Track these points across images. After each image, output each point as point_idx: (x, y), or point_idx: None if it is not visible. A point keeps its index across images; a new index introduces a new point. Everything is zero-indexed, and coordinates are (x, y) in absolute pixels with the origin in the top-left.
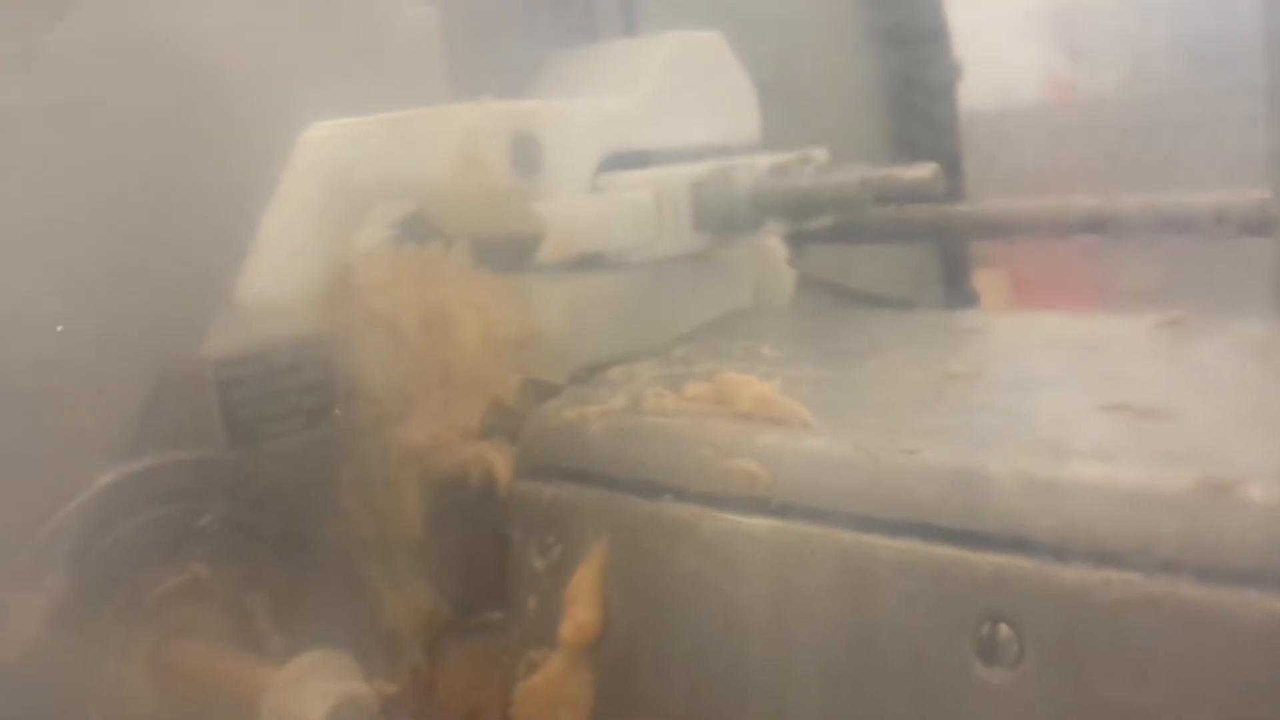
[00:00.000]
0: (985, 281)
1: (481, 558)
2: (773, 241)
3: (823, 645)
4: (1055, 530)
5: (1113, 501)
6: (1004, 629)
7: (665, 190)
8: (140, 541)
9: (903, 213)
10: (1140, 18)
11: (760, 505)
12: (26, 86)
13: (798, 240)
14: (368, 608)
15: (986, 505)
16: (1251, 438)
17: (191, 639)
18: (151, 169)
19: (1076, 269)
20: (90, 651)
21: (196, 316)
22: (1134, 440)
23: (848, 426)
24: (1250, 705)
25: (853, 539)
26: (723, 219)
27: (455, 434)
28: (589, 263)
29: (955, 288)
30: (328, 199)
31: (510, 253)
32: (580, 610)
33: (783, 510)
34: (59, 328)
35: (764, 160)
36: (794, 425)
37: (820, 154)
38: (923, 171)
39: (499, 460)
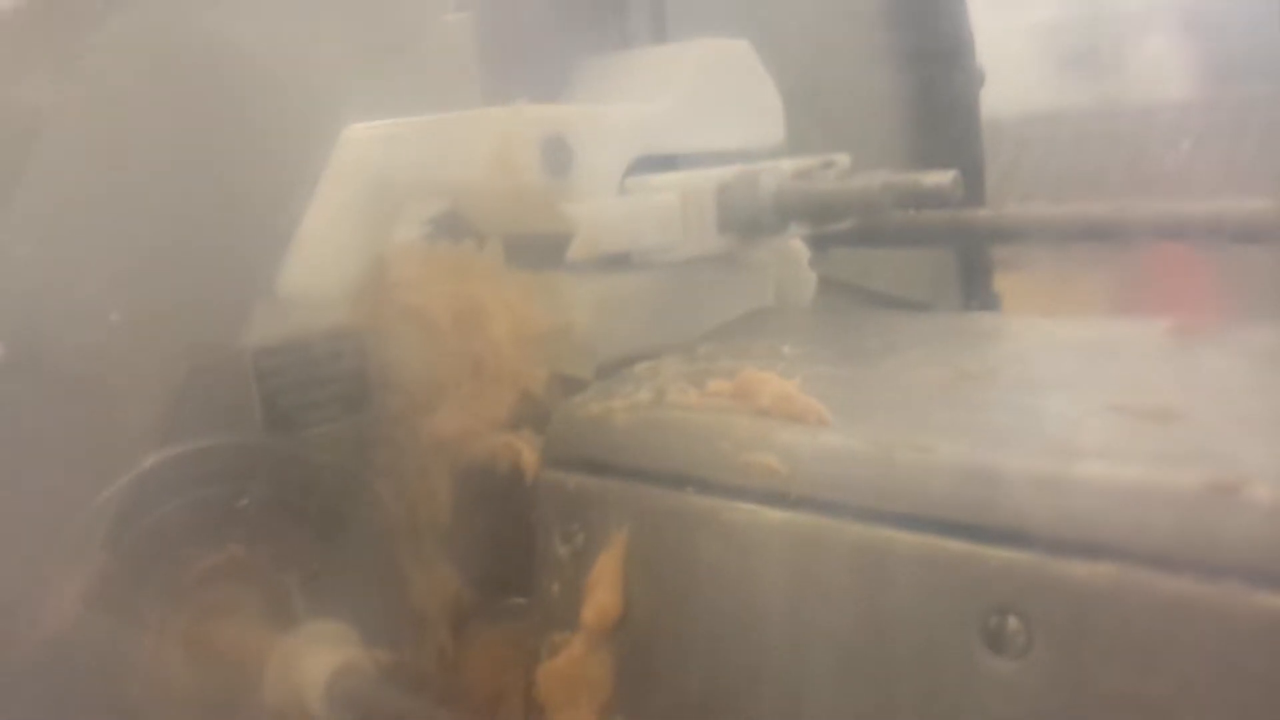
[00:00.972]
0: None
1: (507, 544)
2: (795, 243)
3: (835, 633)
4: (1063, 526)
5: (1120, 499)
6: (1012, 621)
7: (691, 193)
8: (181, 522)
9: (923, 217)
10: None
11: (778, 498)
12: (76, 84)
13: (820, 242)
14: (397, 590)
15: (997, 501)
16: (1258, 440)
17: (226, 617)
18: (197, 167)
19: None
20: (130, 628)
21: (238, 308)
22: (1142, 440)
23: (864, 423)
24: (1251, 699)
25: (866, 532)
26: (746, 221)
27: (484, 424)
28: (616, 262)
29: (976, 291)
30: (366, 197)
31: (540, 251)
32: (602, 595)
33: (799, 503)
34: (113, 316)
35: (788, 165)
36: (812, 422)
37: (843, 159)
38: (943, 178)
39: (526, 450)
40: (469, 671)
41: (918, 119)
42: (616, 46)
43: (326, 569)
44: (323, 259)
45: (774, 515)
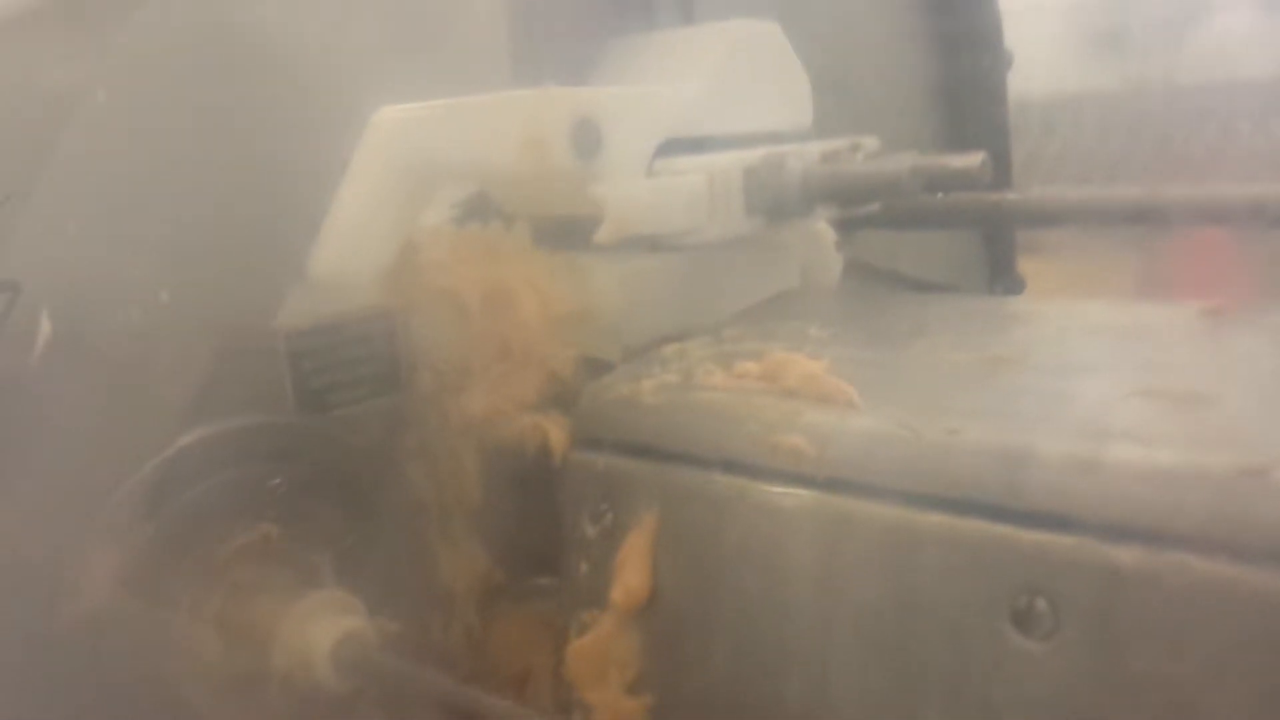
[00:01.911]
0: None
1: (534, 524)
2: (821, 226)
3: (863, 613)
4: (1092, 508)
5: (1150, 482)
6: (1040, 602)
7: (718, 175)
8: (215, 500)
9: (950, 200)
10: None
11: (806, 479)
12: (115, 69)
13: (846, 225)
14: (426, 568)
15: (1026, 483)
16: None
17: (259, 595)
18: (230, 149)
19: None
20: (166, 603)
21: (271, 290)
22: (1173, 424)
23: (892, 405)
24: (1277, 679)
25: (895, 513)
26: (774, 204)
27: (513, 405)
28: (643, 244)
29: (1001, 274)
30: (397, 180)
31: (568, 233)
32: (631, 575)
33: (828, 485)
34: (162, 295)
35: (815, 147)
36: (840, 403)
37: (871, 142)
38: (971, 160)
39: (554, 431)
40: (496, 649)
41: (945, 101)
42: (644, 27)
43: (357, 547)
44: (354, 241)
45: (802, 496)
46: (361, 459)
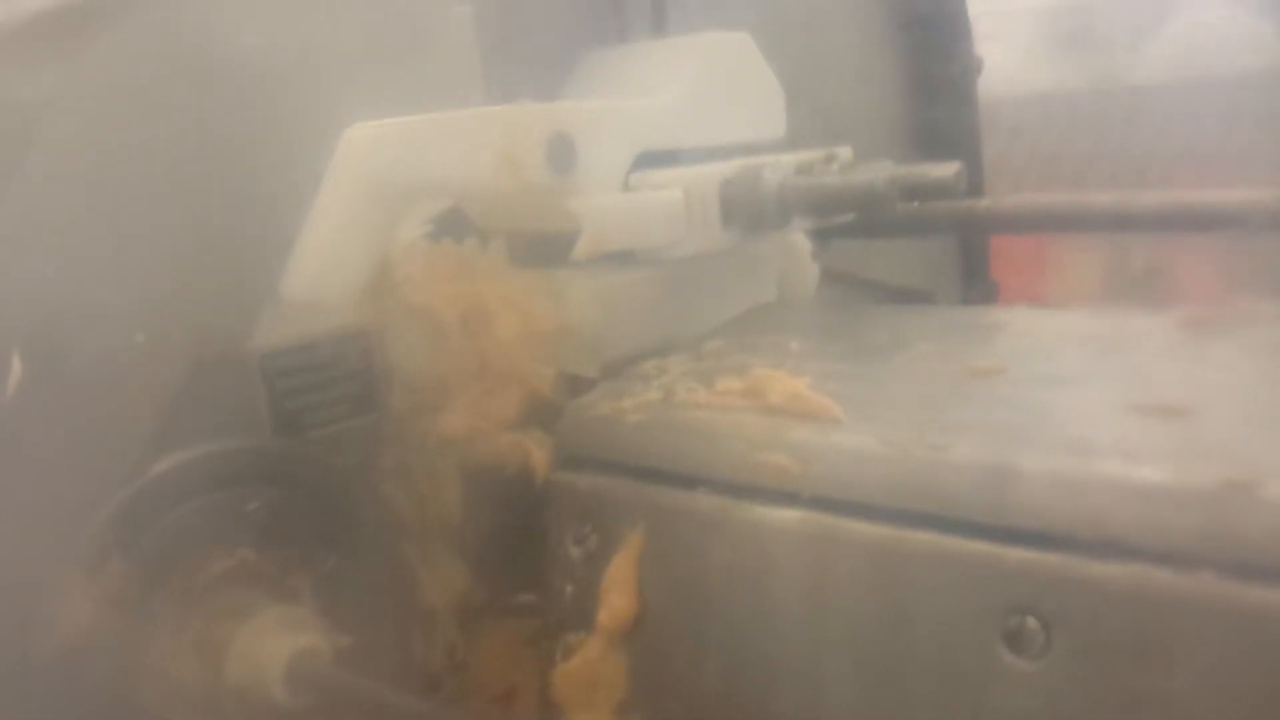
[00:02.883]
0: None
1: (514, 542)
2: (797, 236)
3: (852, 633)
4: (1081, 526)
5: (1138, 498)
6: (1031, 621)
7: (695, 189)
8: (192, 526)
9: (924, 208)
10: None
11: (791, 498)
12: (80, 85)
13: (820, 234)
14: (406, 588)
15: (1014, 501)
16: (1274, 437)
17: (237, 620)
18: (202, 169)
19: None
20: (143, 633)
21: (244, 310)
22: (1158, 438)
23: (876, 422)
24: (1271, 698)
25: (882, 532)
26: (751, 216)
27: (492, 424)
28: (619, 259)
29: (975, 280)
30: (371, 197)
31: (544, 249)
32: (617, 597)
33: (813, 503)
34: (139, 337)
35: (790, 158)
36: (824, 420)
37: (845, 151)
38: (947, 170)
39: (536, 450)
40: (479, 669)
41: (914, 107)
42: (617, 39)
43: (335, 569)
44: (327, 260)
45: (788, 515)
46: (339, 480)
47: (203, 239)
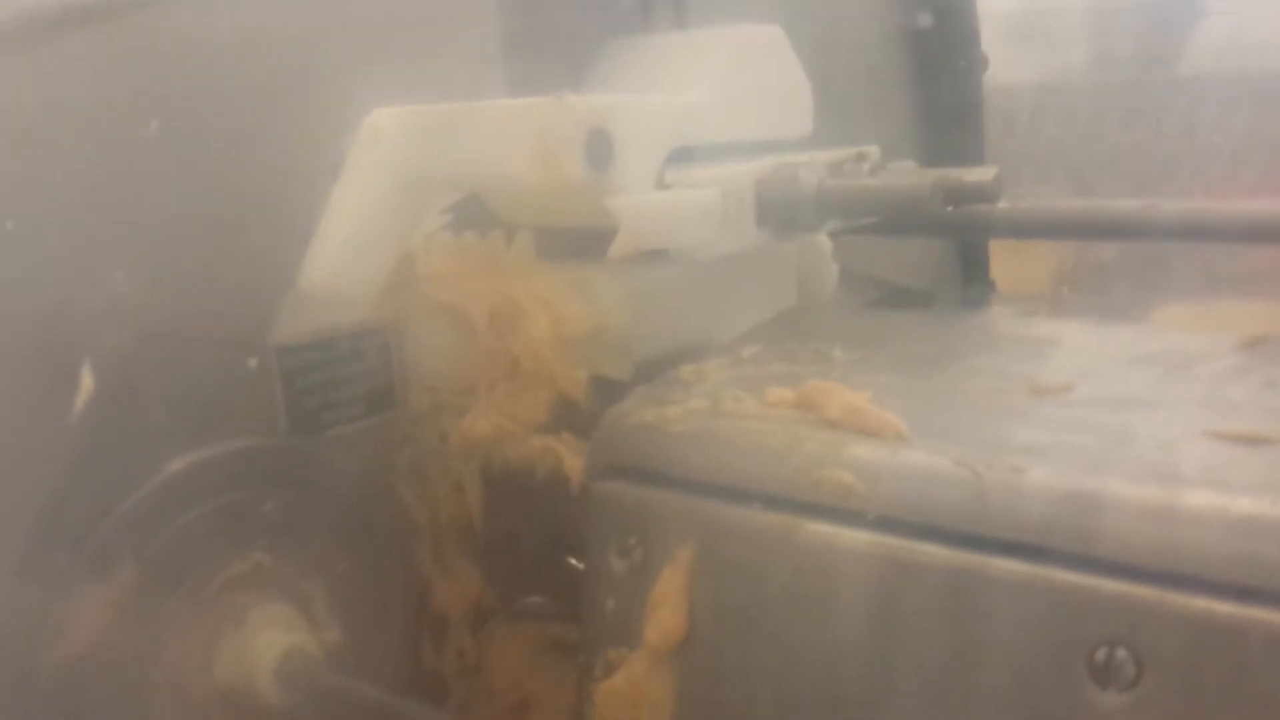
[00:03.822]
0: None
1: (527, 544)
2: (821, 236)
3: (922, 662)
4: (1171, 557)
5: (1233, 531)
6: (1120, 653)
7: (731, 188)
8: (207, 529)
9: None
10: None
11: (855, 518)
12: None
13: (832, 233)
14: (418, 591)
15: (1100, 530)
16: None
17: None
18: (220, 157)
19: None
20: (154, 639)
21: (262, 304)
22: (1245, 467)
23: (943, 439)
24: None
25: (956, 557)
26: (786, 217)
27: (520, 427)
28: (650, 257)
29: (974, 280)
30: (394, 187)
31: (573, 245)
32: (666, 614)
33: (880, 524)
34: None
35: (823, 157)
36: (889, 437)
37: (874, 151)
38: (984, 175)
39: (569, 455)
40: (492, 676)
41: (921, 104)
42: (641, 28)
43: (349, 572)
44: (347, 251)
45: (852, 536)
46: (354, 480)
47: (222, 232)
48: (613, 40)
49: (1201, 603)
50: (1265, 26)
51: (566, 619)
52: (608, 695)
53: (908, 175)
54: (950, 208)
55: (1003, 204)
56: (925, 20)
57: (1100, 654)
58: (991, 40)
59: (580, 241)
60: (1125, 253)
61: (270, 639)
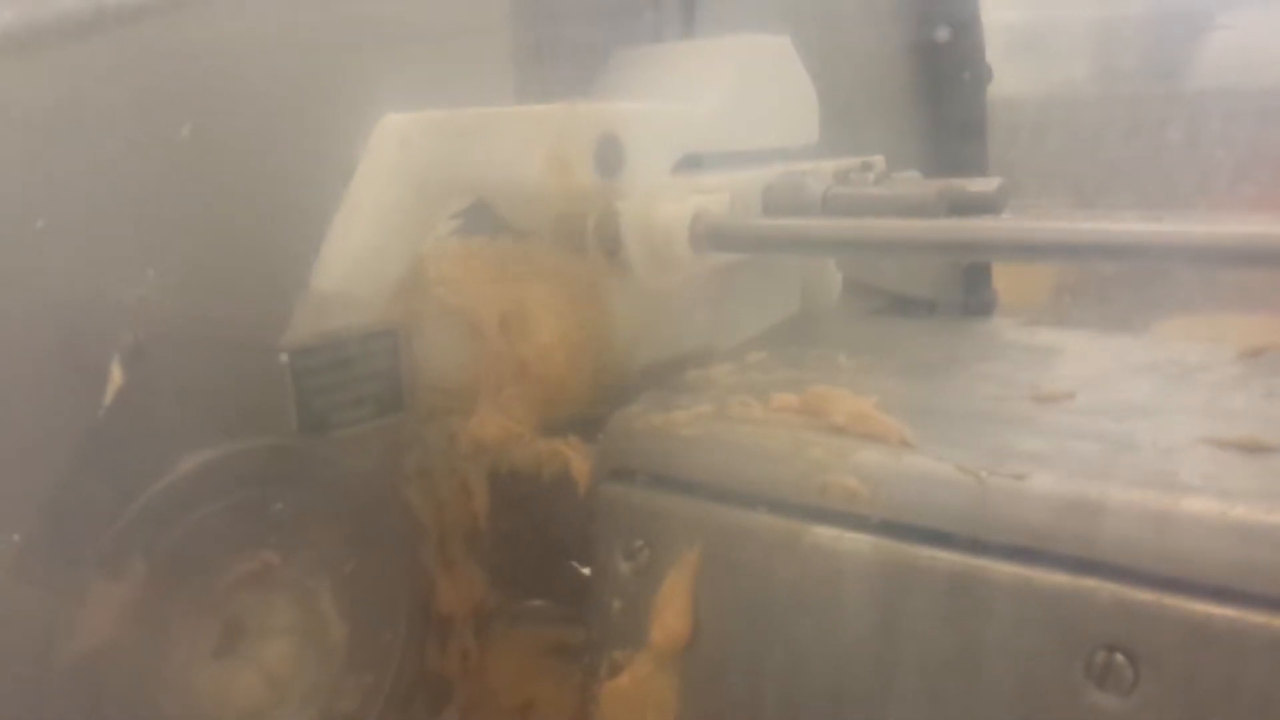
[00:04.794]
0: None
1: (532, 547)
2: None
3: (925, 665)
4: (1172, 563)
5: (1229, 537)
6: (1119, 657)
7: (739, 194)
8: (217, 528)
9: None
10: None
11: (860, 522)
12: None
13: None
14: (423, 592)
15: (1101, 535)
16: None
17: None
18: (230, 158)
19: None
20: (164, 638)
21: (274, 306)
22: (1245, 475)
23: (946, 445)
24: None
25: (960, 561)
26: None
27: (528, 429)
28: None
29: (976, 290)
30: (406, 190)
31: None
32: (672, 616)
33: (884, 528)
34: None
35: (829, 166)
36: (894, 443)
37: (879, 161)
38: (989, 185)
39: (576, 459)
40: (496, 678)
41: (926, 116)
42: (650, 38)
43: (356, 572)
44: (359, 254)
45: (857, 540)
46: (362, 481)
47: (233, 233)
48: (623, 49)
49: (1199, 607)
50: (1269, 41)
51: (570, 622)
52: (613, 696)
53: (912, 185)
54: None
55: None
56: (930, 33)
57: (1099, 658)
58: (995, 53)
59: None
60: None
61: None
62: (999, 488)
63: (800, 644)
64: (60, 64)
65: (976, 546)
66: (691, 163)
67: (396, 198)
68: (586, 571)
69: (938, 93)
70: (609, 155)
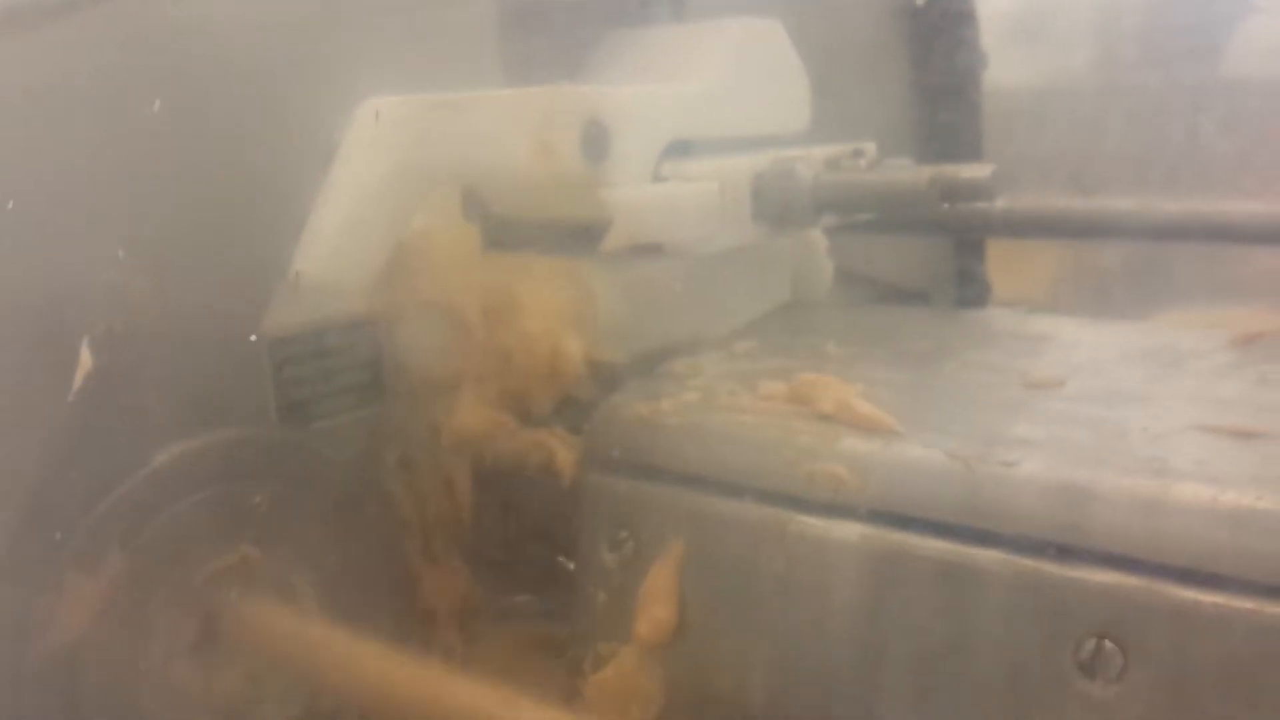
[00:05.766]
0: None
1: (516, 541)
2: (815, 233)
3: (913, 653)
4: (1161, 550)
5: (1219, 523)
6: (1108, 645)
7: (729, 182)
8: (195, 521)
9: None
10: None
11: (847, 511)
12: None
13: (828, 230)
14: (405, 587)
15: (1090, 522)
16: None
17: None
18: (207, 142)
19: None
20: (141, 632)
21: (253, 294)
22: (1236, 460)
23: (935, 433)
24: None
25: (948, 549)
26: (782, 212)
27: (513, 420)
28: (645, 251)
29: (970, 280)
30: (389, 175)
31: (568, 238)
32: (657, 607)
33: (872, 517)
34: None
35: (819, 153)
36: (881, 431)
37: (871, 148)
38: (980, 171)
39: (561, 449)
40: (480, 673)
41: (919, 103)
42: (639, 20)
43: (337, 566)
44: (340, 240)
45: (844, 529)
46: (342, 473)
47: (213, 221)
48: (611, 32)
49: (1189, 594)
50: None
51: (555, 617)
52: (598, 688)
53: (904, 171)
54: (946, 204)
55: (1000, 202)
56: (924, 18)
57: (1088, 645)
58: (991, 40)
59: (583, 237)
60: (1125, 259)
61: None
62: (988, 475)
63: (788, 634)
64: (32, 44)
65: (965, 534)
66: (681, 148)
67: (378, 183)
68: (572, 566)
69: (931, 80)
70: (595, 140)
